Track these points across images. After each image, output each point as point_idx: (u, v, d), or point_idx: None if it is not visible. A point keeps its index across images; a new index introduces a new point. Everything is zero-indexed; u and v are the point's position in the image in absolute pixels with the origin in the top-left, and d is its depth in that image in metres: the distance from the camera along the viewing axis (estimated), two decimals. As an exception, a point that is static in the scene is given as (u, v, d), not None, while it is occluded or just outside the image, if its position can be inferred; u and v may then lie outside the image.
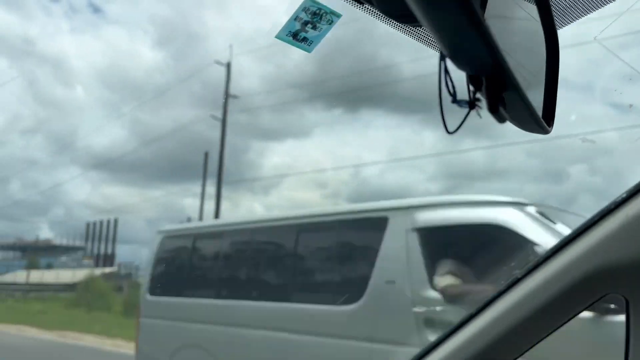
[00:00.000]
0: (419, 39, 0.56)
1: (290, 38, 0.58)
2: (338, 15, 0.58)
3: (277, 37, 0.58)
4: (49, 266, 54.59)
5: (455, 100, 0.50)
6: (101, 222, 76.85)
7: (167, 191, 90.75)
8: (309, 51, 0.59)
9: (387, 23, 0.55)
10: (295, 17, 0.57)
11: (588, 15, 0.63)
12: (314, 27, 0.58)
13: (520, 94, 0.50)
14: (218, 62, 19.58)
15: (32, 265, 54.64)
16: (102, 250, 75.81)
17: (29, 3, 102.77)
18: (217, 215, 18.32)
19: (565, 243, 0.97)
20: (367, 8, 0.54)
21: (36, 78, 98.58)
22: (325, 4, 0.56)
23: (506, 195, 3.92)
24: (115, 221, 74.34)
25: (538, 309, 0.98)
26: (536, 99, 0.60)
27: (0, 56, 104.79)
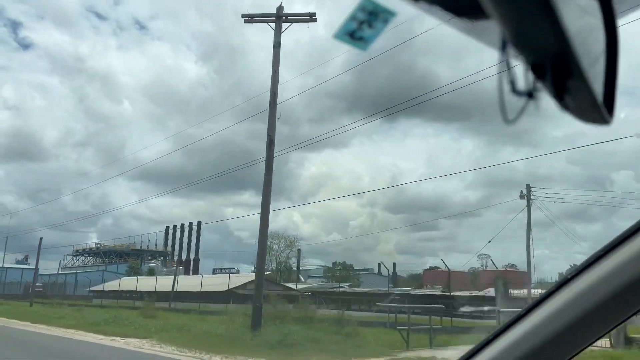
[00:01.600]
0: (473, 33, 0.56)
1: (348, 37, 0.61)
2: (393, 14, 0.59)
3: (335, 36, 0.61)
4: (151, 272, 50.45)
5: (514, 89, 0.50)
6: (182, 226, 75.56)
7: (210, 201, 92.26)
8: (364, 49, 0.62)
9: (442, 19, 0.56)
10: (353, 17, 0.60)
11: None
12: (370, 26, 0.60)
13: (585, 82, 0.49)
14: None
15: (134, 272, 52.21)
16: (184, 256, 73.17)
17: (79, 23, 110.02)
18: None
19: (614, 246, 0.92)
20: (423, 5, 0.55)
21: (86, 94, 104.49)
22: (380, 3, 0.58)
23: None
24: (199, 224, 72.64)
25: (589, 310, 0.95)
26: (596, 89, 0.57)
27: (54, 73, 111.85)
